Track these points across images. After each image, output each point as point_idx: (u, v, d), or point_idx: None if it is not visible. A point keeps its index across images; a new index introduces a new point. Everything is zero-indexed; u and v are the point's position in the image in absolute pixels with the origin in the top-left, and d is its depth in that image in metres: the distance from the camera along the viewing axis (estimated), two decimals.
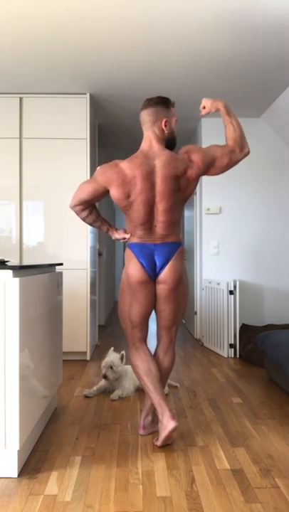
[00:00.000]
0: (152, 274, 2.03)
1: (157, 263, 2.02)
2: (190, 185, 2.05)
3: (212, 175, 2.12)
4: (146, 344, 2.16)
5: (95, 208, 2.15)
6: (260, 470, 1.81)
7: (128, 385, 2.77)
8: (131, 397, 2.73)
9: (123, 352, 2.84)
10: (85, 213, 2.12)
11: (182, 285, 2.10)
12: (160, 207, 2.00)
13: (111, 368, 2.73)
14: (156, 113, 2.06)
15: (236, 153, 2.07)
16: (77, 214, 2.13)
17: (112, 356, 2.78)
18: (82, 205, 2.08)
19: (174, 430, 1.94)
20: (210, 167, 2.07)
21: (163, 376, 2.16)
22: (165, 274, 2.02)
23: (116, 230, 2.17)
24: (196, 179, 2.06)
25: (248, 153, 2.10)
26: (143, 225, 2.02)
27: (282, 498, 1.60)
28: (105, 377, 2.72)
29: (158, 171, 1.99)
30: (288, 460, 1.90)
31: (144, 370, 2.07)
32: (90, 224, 2.17)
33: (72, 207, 2.10)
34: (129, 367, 2.87)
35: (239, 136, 2.09)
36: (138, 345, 2.13)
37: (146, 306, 2.08)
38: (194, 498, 1.60)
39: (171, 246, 2.03)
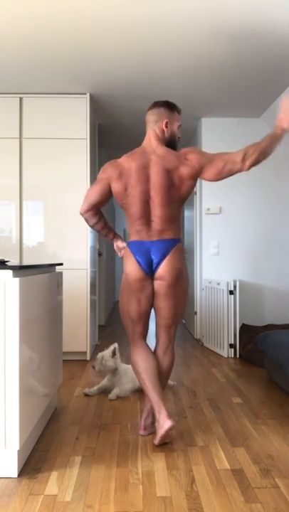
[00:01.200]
0: (149, 270, 2.05)
1: (154, 260, 2.04)
2: (183, 183, 2.05)
3: (208, 179, 2.08)
4: (146, 341, 2.17)
5: (103, 216, 2.23)
6: (260, 470, 1.81)
7: (126, 384, 2.78)
8: (131, 398, 2.73)
9: (116, 345, 2.83)
10: (94, 219, 2.18)
11: (181, 282, 2.10)
12: (156, 200, 2.03)
13: (101, 361, 2.78)
14: (159, 114, 2.12)
15: (236, 162, 2.00)
16: (88, 220, 2.19)
17: (107, 350, 2.83)
18: (93, 209, 2.14)
19: (170, 429, 1.94)
20: (204, 168, 2.05)
21: (163, 377, 2.15)
22: (162, 269, 2.03)
23: (121, 239, 2.27)
24: (191, 179, 2.05)
25: (243, 168, 2.01)
26: (140, 219, 2.04)
27: (282, 498, 1.60)
28: (93, 367, 2.80)
29: (152, 164, 2.03)
30: (288, 460, 1.90)
31: (143, 367, 2.08)
32: (98, 231, 2.25)
33: (84, 213, 2.16)
34: (129, 366, 2.87)
35: (256, 154, 1.98)
36: (138, 342, 2.15)
37: (144, 303, 2.09)
38: (194, 498, 1.60)
39: (168, 242, 2.04)
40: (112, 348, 2.82)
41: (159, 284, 2.06)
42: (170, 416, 1.97)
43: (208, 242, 4.42)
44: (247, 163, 1.99)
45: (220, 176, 2.06)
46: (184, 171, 2.03)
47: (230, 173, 2.04)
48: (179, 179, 2.04)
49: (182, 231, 5.94)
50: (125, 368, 2.86)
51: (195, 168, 2.04)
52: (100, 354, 2.81)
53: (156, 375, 2.07)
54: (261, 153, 1.98)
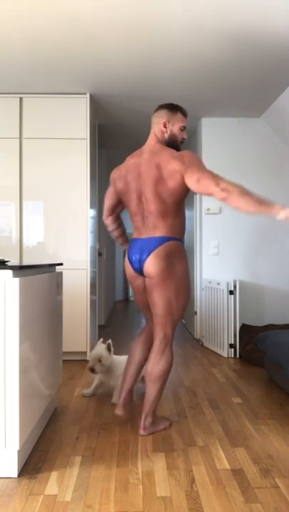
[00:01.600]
0: (138, 268, 2.14)
1: (142, 257, 2.10)
2: (172, 177, 2.01)
3: (188, 182, 1.98)
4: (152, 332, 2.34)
5: (123, 225, 2.43)
6: (260, 470, 1.81)
7: (120, 377, 2.62)
8: None
9: (109, 341, 2.66)
10: (114, 225, 2.38)
11: (172, 280, 2.07)
12: (146, 195, 2.09)
13: (99, 360, 2.59)
14: (160, 115, 2.17)
15: (217, 184, 1.88)
16: (108, 226, 2.38)
17: (100, 348, 2.63)
18: (112, 213, 2.33)
19: (117, 417, 2.23)
20: (190, 169, 1.98)
21: (162, 377, 2.13)
22: (147, 267, 2.08)
23: None
24: (179, 173, 2.00)
25: (216, 194, 1.88)
26: (136, 216, 2.16)
27: (282, 498, 1.60)
28: (92, 370, 2.59)
29: (145, 161, 2.11)
30: (288, 460, 1.90)
31: (131, 353, 2.34)
32: (115, 237, 2.43)
33: (105, 218, 2.36)
34: (120, 357, 2.76)
35: (236, 196, 1.84)
36: (146, 328, 2.36)
37: (140, 297, 2.27)
38: (194, 498, 1.60)
39: (157, 240, 2.08)
40: (103, 345, 2.65)
41: (148, 282, 2.12)
42: (122, 407, 2.25)
43: (208, 242, 4.42)
44: (222, 194, 1.86)
45: (198, 185, 1.93)
46: (174, 164, 2.02)
47: (206, 189, 1.91)
48: (168, 172, 2.03)
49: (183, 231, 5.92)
50: (117, 359, 2.71)
51: (184, 163, 2.00)
52: (93, 354, 2.61)
53: (137, 368, 2.30)
54: (241, 201, 1.83)
